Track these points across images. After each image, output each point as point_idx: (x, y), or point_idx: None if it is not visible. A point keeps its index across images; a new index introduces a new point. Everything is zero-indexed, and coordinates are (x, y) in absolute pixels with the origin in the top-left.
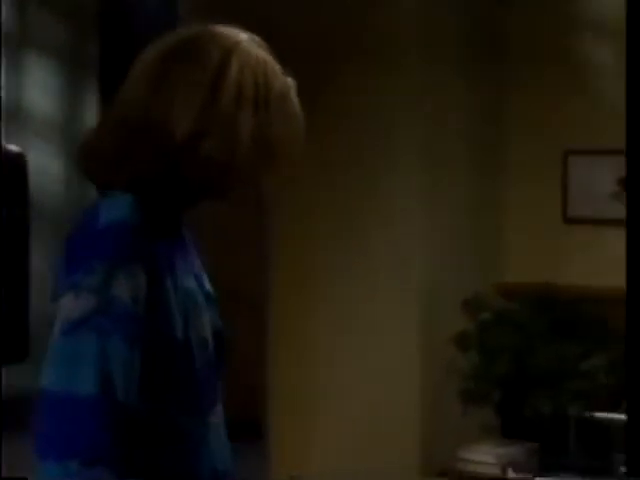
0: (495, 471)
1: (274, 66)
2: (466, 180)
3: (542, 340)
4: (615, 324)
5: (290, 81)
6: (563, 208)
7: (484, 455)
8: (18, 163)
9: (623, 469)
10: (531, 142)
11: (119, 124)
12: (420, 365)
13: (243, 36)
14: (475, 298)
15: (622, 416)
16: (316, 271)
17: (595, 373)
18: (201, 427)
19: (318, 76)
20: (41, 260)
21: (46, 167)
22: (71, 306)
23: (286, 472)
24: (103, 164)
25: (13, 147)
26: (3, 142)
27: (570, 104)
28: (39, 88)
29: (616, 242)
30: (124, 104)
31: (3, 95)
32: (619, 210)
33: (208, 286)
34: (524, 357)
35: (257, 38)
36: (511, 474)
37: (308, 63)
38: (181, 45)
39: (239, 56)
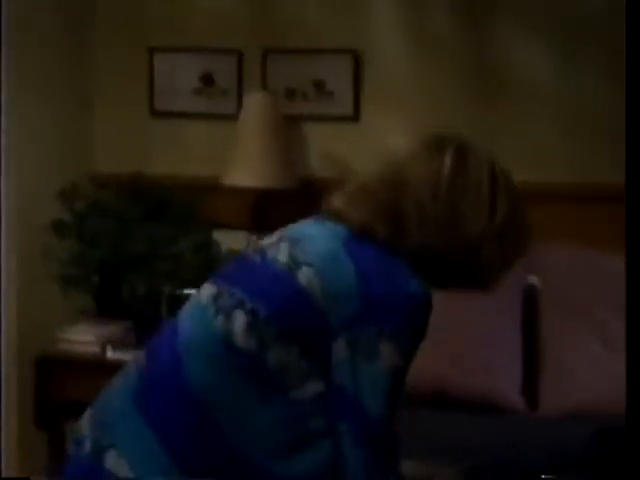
0: (95, 349)
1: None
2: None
3: (136, 226)
4: (200, 209)
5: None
6: (150, 102)
7: (83, 335)
8: None
9: None
10: (118, 41)
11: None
12: (17, 252)
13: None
14: (70, 188)
15: None
16: None
17: (183, 254)
18: None
19: None
20: None
21: None
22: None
23: None
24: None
25: None
26: None
27: (154, 4)
28: None
29: (198, 133)
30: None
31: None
32: (201, 104)
33: None
34: (120, 243)
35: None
36: (110, 351)
37: None
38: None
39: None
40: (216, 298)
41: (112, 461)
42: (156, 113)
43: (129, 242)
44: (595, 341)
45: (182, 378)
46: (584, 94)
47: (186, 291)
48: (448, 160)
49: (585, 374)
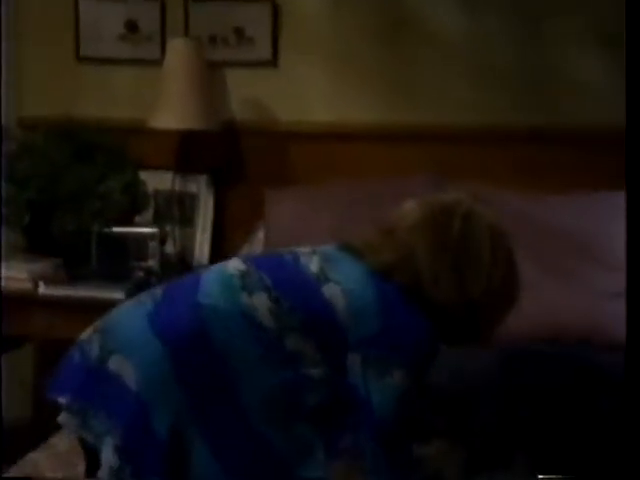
0: (27, 285)
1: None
2: None
3: (65, 167)
4: (127, 151)
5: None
6: (76, 48)
7: (15, 271)
8: None
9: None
10: None
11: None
12: None
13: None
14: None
15: (135, 229)
16: None
17: (111, 194)
18: None
19: None
20: None
21: None
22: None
23: None
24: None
25: None
26: None
27: None
28: None
29: (124, 78)
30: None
31: None
32: (126, 50)
33: None
34: (50, 184)
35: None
36: (42, 287)
37: None
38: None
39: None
40: (243, 275)
41: (117, 363)
42: (82, 58)
43: (59, 183)
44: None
45: (200, 325)
46: (490, 44)
47: (114, 229)
48: (455, 228)
49: None
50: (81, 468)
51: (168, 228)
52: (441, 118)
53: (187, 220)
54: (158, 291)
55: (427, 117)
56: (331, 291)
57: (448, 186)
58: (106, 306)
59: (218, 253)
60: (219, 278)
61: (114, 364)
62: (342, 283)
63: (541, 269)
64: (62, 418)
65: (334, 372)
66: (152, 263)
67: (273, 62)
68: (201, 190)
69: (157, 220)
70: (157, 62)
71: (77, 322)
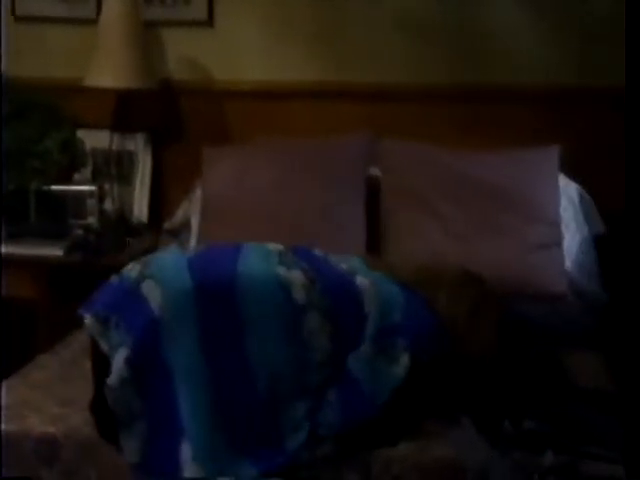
0: None
1: None
2: None
3: (4, 126)
4: (64, 110)
5: None
6: (12, 6)
7: None
8: None
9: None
10: None
11: None
12: None
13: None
14: None
15: (74, 187)
16: None
17: (50, 153)
18: None
19: None
20: None
21: None
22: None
23: None
24: None
25: None
26: None
27: None
28: None
29: (60, 37)
30: None
31: None
32: (61, 9)
33: None
34: None
35: None
36: None
37: None
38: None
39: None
40: (282, 254)
41: (149, 287)
42: (18, 18)
43: None
44: (436, 230)
45: (232, 283)
46: (424, 2)
47: (53, 187)
48: (442, 299)
49: (426, 258)
50: None
51: (107, 186)
52: (375, 76)
53: (125, 178)
54: (201, 246)
55: (361, 76)
56: (361, 281)
57: (382, 143)
58: (45, 264)
59: (156, 210)
60: (259, 250)
61: (146, 288)
62: (370, 277)
63: (472, 223)
64: (88, 321)
65: (339, 358)
66: (91, 220)
67: (209, 22)
68: (139, 148)
69: (96, 178)
70: (93, 21)
71: (16, 279)
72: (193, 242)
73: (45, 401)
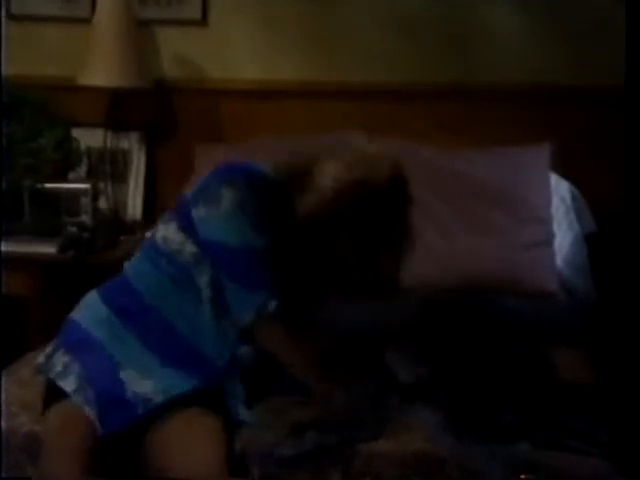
0: None
1: None
2: None
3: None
4: (57, 108)
5: None
6: (7, 6)
7: None
8: None
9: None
10: None
11: None
12: None
13: None
14: None
15: (68, 185)
16: None
17: (43, 151)
18: None
19: None
20: None
21: None
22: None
23: None
24: None
25: None
26: None
27: None
28: None
29: (54, 36)
30: None
31: None
32: (56, 8)
33: None
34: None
35: None
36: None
37: None
38: None
39: None
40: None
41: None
42: (13, 16)
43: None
44: (426, 228)
45: None
46: (411, 1)
47: (47, 185)
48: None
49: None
50: None
51: (101, 184)
52: (364, 76)
53: (120, 176)
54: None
55: (351, 75)
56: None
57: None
58: (39, 261)
59: (151, 208)
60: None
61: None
62: None
63: (458, 221)
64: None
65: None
66: (85, 219)
67: (203, 21)
68: (133, 147)
69: (90, 177)
70: (87, 20)
71: (10, 277)
72: None
73: (34, 399)
